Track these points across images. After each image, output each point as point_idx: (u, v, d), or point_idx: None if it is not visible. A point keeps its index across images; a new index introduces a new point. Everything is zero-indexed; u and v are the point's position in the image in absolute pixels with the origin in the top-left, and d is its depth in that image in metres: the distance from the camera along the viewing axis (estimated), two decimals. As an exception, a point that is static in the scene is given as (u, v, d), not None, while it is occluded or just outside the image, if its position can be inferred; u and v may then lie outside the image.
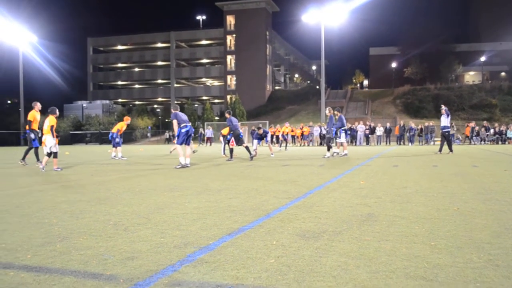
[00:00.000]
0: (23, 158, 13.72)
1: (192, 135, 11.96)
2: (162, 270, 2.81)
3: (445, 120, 17.40)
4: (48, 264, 2.98)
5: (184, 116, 11.80)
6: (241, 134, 14.75)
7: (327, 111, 15.64)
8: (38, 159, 12.90)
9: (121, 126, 16.76)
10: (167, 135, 52.26)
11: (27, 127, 13.27)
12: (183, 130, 11.48)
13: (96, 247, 3.40)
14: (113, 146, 16.79)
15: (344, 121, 15.95)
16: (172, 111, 11.84)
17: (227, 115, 14.90)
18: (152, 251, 3.26)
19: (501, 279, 2.58)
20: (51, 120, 11.33)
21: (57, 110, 11.88)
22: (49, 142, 11.21)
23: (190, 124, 11.79)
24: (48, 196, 6.36)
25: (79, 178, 9.14)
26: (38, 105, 12.99)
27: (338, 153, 15.96)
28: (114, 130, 16.75)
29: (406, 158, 14.84)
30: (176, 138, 11.68)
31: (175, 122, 11.58)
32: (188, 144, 11.90)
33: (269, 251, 3.22)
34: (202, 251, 3.24)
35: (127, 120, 17.31)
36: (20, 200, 5.93)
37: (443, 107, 17.71)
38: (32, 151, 13.39)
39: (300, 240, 3.53)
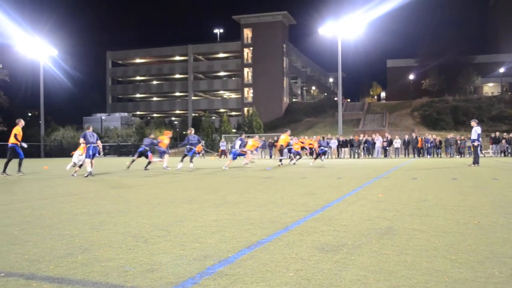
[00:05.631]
0: (4, 171, 14.53)
1: (96, 153, 13.95)
2: (182, 282, 2.83)
3: (475, 133, 17.40)
4: (70, 276, 3.02)
5: (91, 138, 13.62)
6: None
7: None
8: (19, 170, 14.64)
9: (163, 139, 18.92)
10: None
11: (14, 140, 14.53)
12: (90, 152, 13.56)
13: (117, 259, 3.44)
14: (160, 157, 18.74)
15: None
16: (85, 130, 14.05)
17: (189, 131, 17.29)
18: (172, 264, 3.29)
19: (524, 295, 2.54)
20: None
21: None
22: (76, 155, 14.44)
23: (94, 145, 13.63)
24: (68, 207, 6.45)
25: (99, 190, 9.25)
26: (22, 122, 14.89)
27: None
28: (163, 145, 18.68)
29: (424, 171, 14.68)
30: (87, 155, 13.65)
31: (81, 140, 13.82)
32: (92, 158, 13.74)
33: (288, 264, 3.22)
34: (222, 264, 3.26)
35: (168, 134, 19.81)
36: (41, 211, 6.03)
37: (475, 120, 18.06)
38: (16, 161, 14.87)
39: (319, 254, 3.53)
